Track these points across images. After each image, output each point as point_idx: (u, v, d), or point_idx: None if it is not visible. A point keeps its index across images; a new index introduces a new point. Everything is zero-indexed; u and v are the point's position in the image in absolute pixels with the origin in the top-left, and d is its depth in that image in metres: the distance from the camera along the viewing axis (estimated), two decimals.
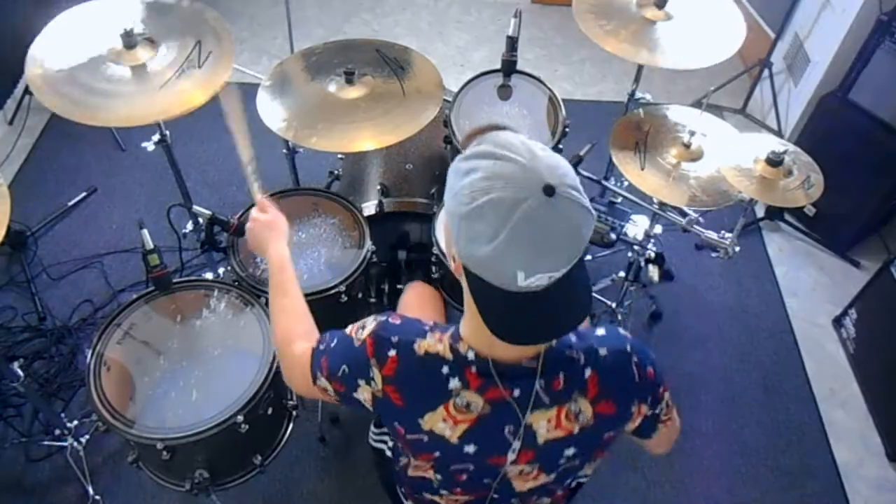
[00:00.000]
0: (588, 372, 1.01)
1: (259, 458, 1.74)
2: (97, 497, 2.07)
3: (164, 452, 1.52)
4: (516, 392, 1.00)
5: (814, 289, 2.86)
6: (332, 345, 1.11)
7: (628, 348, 1.05)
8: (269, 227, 1.38)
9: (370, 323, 1.07)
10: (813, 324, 2.74)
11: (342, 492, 2.18)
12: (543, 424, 1.02)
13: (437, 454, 1.08)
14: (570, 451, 1.06)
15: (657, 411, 1.10)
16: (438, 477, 1.16)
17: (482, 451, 1.06)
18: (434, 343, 1.02)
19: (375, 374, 1.03)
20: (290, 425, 1.84)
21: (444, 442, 1.04)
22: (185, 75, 1.83)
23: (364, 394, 1.06)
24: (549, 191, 0.83)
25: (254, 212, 1.42)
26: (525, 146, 0.88)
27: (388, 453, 1.42)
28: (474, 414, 1.01)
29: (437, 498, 1.24)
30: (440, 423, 1.02)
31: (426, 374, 1.01)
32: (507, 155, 0.86)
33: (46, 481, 2.14)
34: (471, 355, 1.00)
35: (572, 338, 1.03)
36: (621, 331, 1.08)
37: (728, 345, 2.64)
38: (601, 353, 1.03)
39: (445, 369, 1.00)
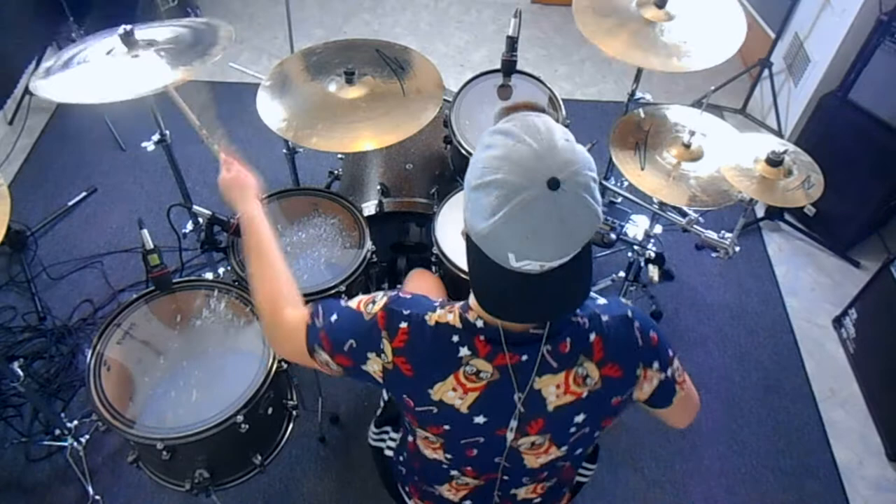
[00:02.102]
0: (593, 336, 1.03)
1: (259, 457, 1.74)
2: (97, 497, 2.07)
3: (164, 452, 1.52)
4: (524, 357, 1.01)
5: (814, 289, 2.86)
6: (333, 320, 1.10)
7: (629, 314, 1.07)
8: (236, 185, 1.33)
9: (381, 298, 1.09)
10: (813, 324, 2.74)
11: (342, 492, 2.18)
12: (552, 391, 1.04)
13: (446, 427, 1.09)
14: (579, 418, 1.07)
15: (669, 374, 1.10)
16: (448, 456, 1.16)
17: (492, 422, 1.07)
18: (444, 314, 1.04)
19: (386, 346, 1.05)
20: (290, 425, 1.84)
21: (453, 412, 1.06)
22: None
23: (374, 366, 1.07)
24: (554, 184, 0.85)
25: (221, 170, 1.38)
26: (547, 134, 0.89)
27: (388, 452, 1.42)
28: (484, 382, 1.03)
29: (444, 489, 1.25)
30: (450, 392, 1.04)
31: (437, 344, 1.03)
32: (525, 139, 0.88)
33: (46, 481, 2.14)
34: (479, 323, 1.02)
35: None
36: (622, 299, 1.11)
37: (728, 345, 2.64)
38: (604, 318, 1.05)
39: (455, 338, 1.02)
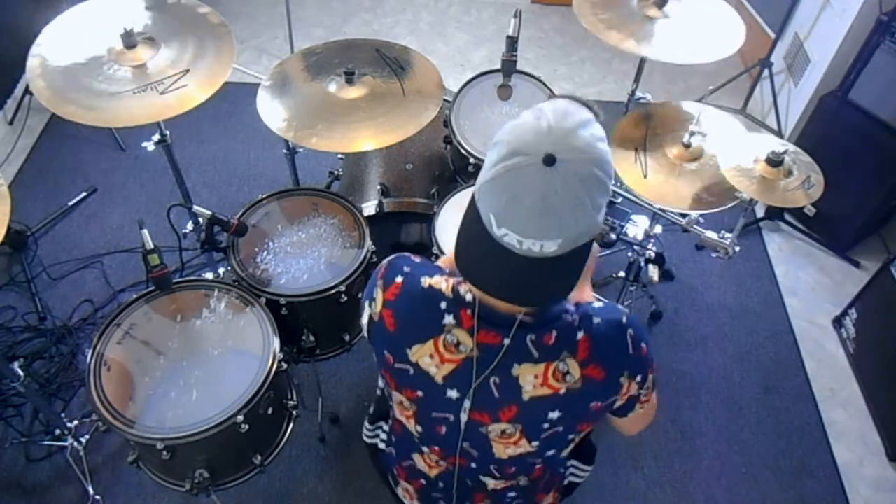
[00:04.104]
0: (580, 334, 1.03)
1: (259, 458, 1.74)
2: (97, 497, 2.07)
3: (165, 452, 1.52)
4: (506, 341, 1.02)
5: (814, 289, 2.86)
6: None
7: (624, 320, 1.06)
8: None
9: (394, 255, 1.14)
10: (813, 324, 2.74)
11: (342, 492, 2.18)
12: (530, 380, 1.04)
13: (419, 392, 1.10)
14: (554, 414, 1.06)
15: (642, 390, 1.11)
16: (419, 429, 1.17)
17: (463, 399, 1.07)
18: (439, 280, 1.06)
19: (378, 294, 1.08)
20: (290, 425, 1.84)
21: (428, 380, 1.07)
22: (142, 94, 1.77)
23: (364, 318, 1.11)
24: (549, 160, 0.86)
25: None
26: (569, 118, 0.90)
27: (382, 445, 1.42)
28: (462, 355, 1.04)
29: (419, 459, 1.26)
30: (427, 358, 1.05)
31: (424, 305, 1.05)
32: (546, 116, 0.90)
33: (46, 481, 2.14)
34: (469, 297, 1.03)
35: (570, 304, 1.05)
36: (619, 306, 1.10)
37: (728, 345, 2.64)
38: (595, 320, 1.05)
39: (443, 305, 1.04)
